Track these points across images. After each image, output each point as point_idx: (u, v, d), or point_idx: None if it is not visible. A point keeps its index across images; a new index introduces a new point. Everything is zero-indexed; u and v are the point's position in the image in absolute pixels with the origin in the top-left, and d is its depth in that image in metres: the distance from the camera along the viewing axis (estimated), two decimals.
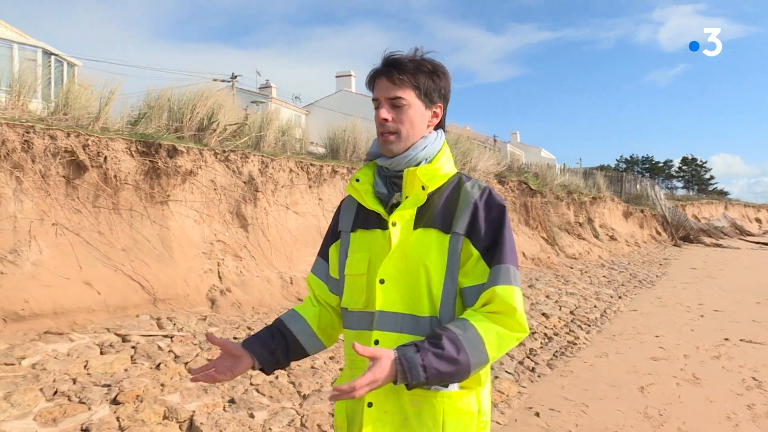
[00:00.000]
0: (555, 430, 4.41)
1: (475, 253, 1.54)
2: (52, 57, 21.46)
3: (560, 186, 17.33)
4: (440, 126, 1.69)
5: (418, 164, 1.59)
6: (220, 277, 6.01)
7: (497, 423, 4.50)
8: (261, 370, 1.64)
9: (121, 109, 6.18)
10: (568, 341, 7.22)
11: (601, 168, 39.77)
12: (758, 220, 53.70)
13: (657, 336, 7.61)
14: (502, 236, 1.55)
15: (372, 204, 1.62)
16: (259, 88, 38.13)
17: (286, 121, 9.41)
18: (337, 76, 41.84)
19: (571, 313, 8.87)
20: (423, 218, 1.56)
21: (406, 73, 1.56)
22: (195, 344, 4.88)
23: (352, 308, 1.63)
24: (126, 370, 4.26)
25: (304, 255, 6.94)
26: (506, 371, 5.73)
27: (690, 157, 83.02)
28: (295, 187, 7.48)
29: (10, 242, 4.67)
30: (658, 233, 26.75)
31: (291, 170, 7.45)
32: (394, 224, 1.55)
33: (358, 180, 1.68)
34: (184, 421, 3.78)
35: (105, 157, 5.30)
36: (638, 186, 30.60)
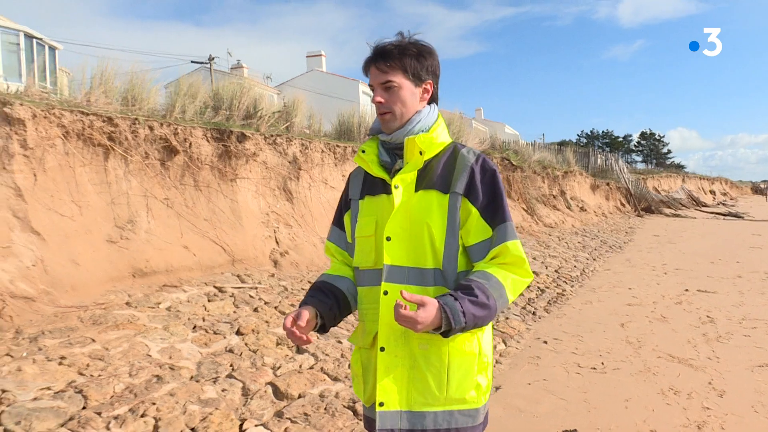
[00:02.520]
0: (561, 351, 5.77)
1: (474, 211, 1.72)
2: (34, 40, 21.63)
3: (536, 162, 18.85)
4: (433, 100, 1.84)
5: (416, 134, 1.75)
6: (277, 242, 7.20)
7: (516, 349, 5.84)
8: (321, 327, 1.81)
9: (190, 102, 7.20)
10: (557, 293, 8.63)
11: (563, 143, 41.34)
12: (712, 192, 56.51)
13: (629, 289, 9.08)
14: (500, 196, 1.74)
15: (377, 171, 1.79)
16: (231, 68, 38.21)
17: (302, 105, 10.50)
18: (307, 56, 42.27)
19: (556, 271, 10.31)
20: (424, 181, 1.73)
21: (392, 59, 1.71)
22: (276, 294, 6.09)
23: (364, 267, 1.82)
24: (235, 312, 5.46)
25: None
26: (514, 315, 7.08)
27: (648, 132, 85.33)
28: (325, 165, 8.68)
29: (126, 214, 5.78)
30: (623, 204, 28.51)
31: (322, 151, 8.64)
32: (396, 187, 1.72)
33: (364, 151, 1.83)
34: (292, 346, 5.00)
35: (190, 143, 6.42)
36: (600, 160, 32.34)
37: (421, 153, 1.71)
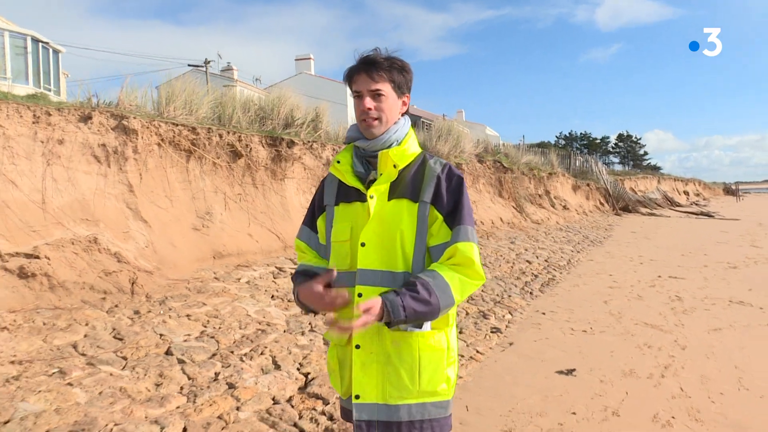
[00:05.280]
0: (556, 320, 7.12)
1: (440, 217, 1.84)
2: (40, 44, 22.50)
3: (524, 164, 20.32)
4: (406, 113, 1.97)
5: (390, 146, 1.86)
6: None
7: (520, 318, 7.19)
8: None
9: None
10: (548, 278, 10.02)
11: (543, 144, 42.81)
12: (686, 193, 58.62)
13: (610, 275, 10.49)
14: (461, 202, 1.85)
15: (352, 181, 1.88)
16: (221, 70, 38.66)
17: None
18: (296, 59, 43.03)
19: (546, 261, 11.72)
20: (395, 191, 1.85)
21: (383, 70, 1.83)
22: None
23: (339, 269, 1.84)
24: None
25: None
26: (516, 294, 8.44)
27: (625, 134, 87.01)
28: None
29: (204, 207, 7.02)
30: (602, 204, 29.99)
31: None
32: (371, 197, 1.82)
33: (339, 162, 1.93)
34: None
35: (250, 148, 7.67)
36: (580, 162, 33.91)
37: (395, 166, 1.84)
